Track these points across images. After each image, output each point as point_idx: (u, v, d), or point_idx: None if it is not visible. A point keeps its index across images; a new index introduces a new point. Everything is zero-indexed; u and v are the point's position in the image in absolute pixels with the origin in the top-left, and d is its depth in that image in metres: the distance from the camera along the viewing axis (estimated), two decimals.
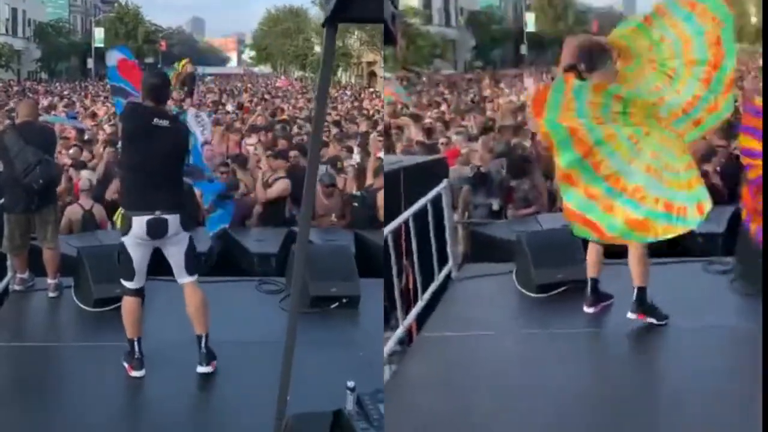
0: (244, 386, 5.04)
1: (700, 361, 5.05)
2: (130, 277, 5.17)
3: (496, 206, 8.52)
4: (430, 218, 6.55)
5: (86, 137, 13.15)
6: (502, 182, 8.74)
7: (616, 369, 5.27)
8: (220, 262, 7.67)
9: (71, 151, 11.03)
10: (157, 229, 5.04)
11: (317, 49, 57.62)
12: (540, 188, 8.97)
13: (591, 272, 5.90)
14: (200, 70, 41.36)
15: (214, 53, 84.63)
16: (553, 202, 8.99)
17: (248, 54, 76.21)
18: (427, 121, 15.09)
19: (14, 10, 58.33)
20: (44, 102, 25.60)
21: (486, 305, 6.39)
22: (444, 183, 7.01)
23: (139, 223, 5.01)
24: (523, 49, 59.58)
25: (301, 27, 62.70)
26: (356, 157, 11.41)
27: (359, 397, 3.60)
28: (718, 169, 8.90)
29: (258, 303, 6.62)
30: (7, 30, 57.09)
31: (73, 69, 61.15)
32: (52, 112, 21.04)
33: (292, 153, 10.12)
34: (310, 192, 3.59)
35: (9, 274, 6.70)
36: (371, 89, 45.46)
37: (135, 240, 5.08)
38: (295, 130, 15.46)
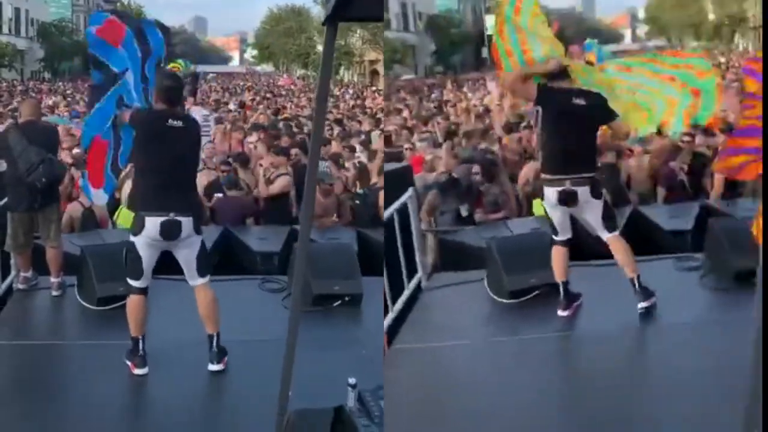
0: (246, 384, 5.05)
1: (676, 359, 5.07)
2: (138, 277, 5.20)
3: (464, 212, 8.41)
4: (397, 227, 6.54)
5: None
6: (471, 187, 8.63)
7: (596, 371, 5.26)
8: (223, 260, 7.67)
9: (74, 151, 11.03)
10: (170, 231, 5.06)
11: (320, 47, 57.54)
12: (509, 193, 8.87)
13: (560, 276, 5.92)
14: (202, 68, 41.35)
15: (216, 52, 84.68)
16: (521, 207, 8.89)
17: (250, 53, 76.22)
18: (390, 128, 14.88)
19: (17, 10, 58.42)
20: (48, 101, 25.65)
21: (459, 314, 6.36)
22: (410, 191, 6.96)
23: (153, 224, 5.03)
24: (484, 52, 58.75)
25: (304, 26, 62.72)
26: (361, 156, 11.39)
27: (360, 393, 3.61)
28: (684, 166, 8.95)
29: (261, 301, 6.64)
30: (10, 30, 57.17)
31: (76, 68, 61.18)
32: (56, 111, 21.10)
33: (294, 151, 10.14)
34: (311, 190, 3.60)
35: (12, 272, 6.73)
36: (373, 87, 45.46)
37: (147, 240, 5.10)
38: (296, 128, 15.45)
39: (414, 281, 6.77)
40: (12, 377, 5.34)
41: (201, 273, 5.30)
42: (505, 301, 6.32)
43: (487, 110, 16.84)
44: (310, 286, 6.27)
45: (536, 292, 6.28)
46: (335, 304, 6.43)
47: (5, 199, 6.51)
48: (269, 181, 9.11)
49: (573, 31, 53.19)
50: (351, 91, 41.32)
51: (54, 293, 6.50)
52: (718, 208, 7.88)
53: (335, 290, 6.47)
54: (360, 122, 18.30)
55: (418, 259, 6.93)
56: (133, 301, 5.24)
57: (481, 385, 5.02)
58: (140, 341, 5.21)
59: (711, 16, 57.32)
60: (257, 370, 5.08)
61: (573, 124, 5.63)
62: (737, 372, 4.55)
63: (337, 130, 15.98)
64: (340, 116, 20.60)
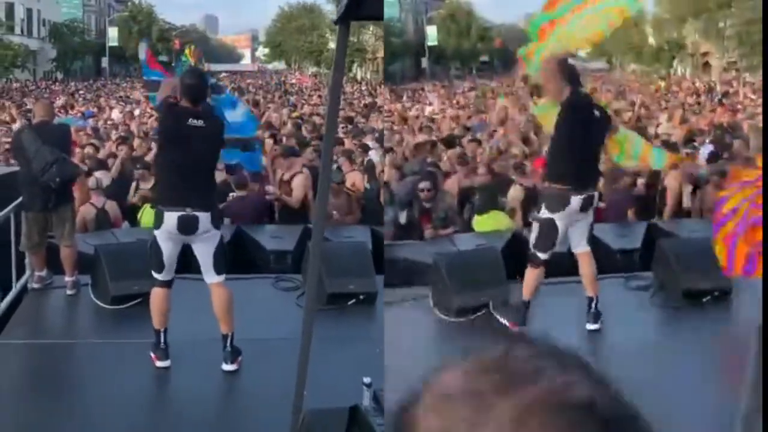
0: (261, 383, 5.07)
1: (629, 377, 5.01)
2: (160, 269, 5.26)
3: (402, 219, 8.16)
4: None
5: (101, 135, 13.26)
6: (413, 200, 8.33)
7: None
8: (237, 259, 7.66)
9: (86, 151, 11.06)
10: (187, 225, 5.13)
11: (332, 45, 57.42)
12: (454, 208, 8.59)
13: (528, 295, 5.86)
14: (213, 67, 41.39)
15: (227, 50, 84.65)
16: (468, 222, 8.52)
17: (262, 51, 76.19)
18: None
19: (29, 11, 58.53)
20: (60, 101, 25.74)
21: (405, 333, 6.10)
22: None
23: (171, 218, 5.11)
24: (424, 63, 57.95)
25: (315, 23, 62.50)
26: (374, 154, 11.33)
27: (375, 392, 3.60)
28: (644, 180, 8.98)
29: (274, 300, 6.65)
30: (22, 30, 57.31)
31: (88, 68, 61.40)
32: (70, 111, 21.19)
33: (308, 150, 10.11)
34: (324, 189, 3.60)
35: (27, 272, 6.75)
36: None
37: (166, 234, 5.17)
38: (310, 127, 15.43)
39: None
40: (26, 375, 5.38)
41: (217, 270, 5.33)
42: (452, 319, 6.15)
43: (434, 120, 16.64)
44: (324, 284, 6.26)
45: (485, 310, 6.17)
46: (350, 302, 6.42)
47: (20, 199, 6.54)
48: (285, 183, 9.01)
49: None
50: (364, 88, 41.20)
51: (68, 292, 6.53)
52: (664, 228, 7.84)
53: (350, 289, 6.46)
54: (367, 119, 18.28)
55: None
56: (155, 294, 5.30)
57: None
58: (162, 333, 5.27)
59: (651, 40, 57.45)
60: (271, 369, 5.09)
61: (594, 134, 5.65)
62: (688, 388, 4.62)
63: (349, 127, 15.96)
64: (352, 114, 20.57)
